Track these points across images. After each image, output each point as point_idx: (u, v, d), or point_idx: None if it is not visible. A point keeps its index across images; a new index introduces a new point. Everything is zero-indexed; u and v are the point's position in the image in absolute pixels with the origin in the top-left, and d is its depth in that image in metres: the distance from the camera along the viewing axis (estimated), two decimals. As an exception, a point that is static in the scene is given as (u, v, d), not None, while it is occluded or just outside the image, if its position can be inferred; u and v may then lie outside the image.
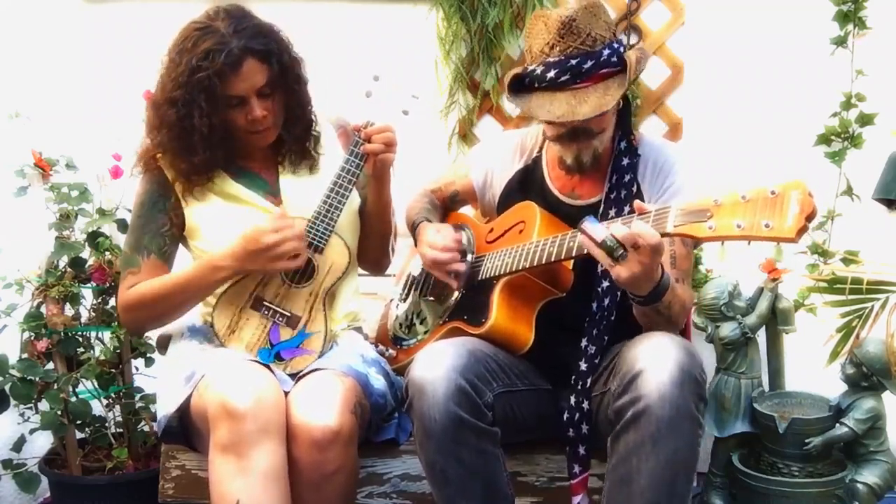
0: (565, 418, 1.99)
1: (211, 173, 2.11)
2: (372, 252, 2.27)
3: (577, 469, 1.98)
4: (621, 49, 1.95)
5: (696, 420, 1.78)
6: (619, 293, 1.97)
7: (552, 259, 1.90)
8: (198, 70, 1.97)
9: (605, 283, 1.97)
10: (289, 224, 2.02)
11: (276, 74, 2.04)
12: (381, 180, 2.15)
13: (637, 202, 1.75)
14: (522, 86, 1.98)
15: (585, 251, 1.77)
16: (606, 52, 1.92)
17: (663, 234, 1.67)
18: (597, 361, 1.98)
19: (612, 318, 1.98)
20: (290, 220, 2.04)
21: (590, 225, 1.72)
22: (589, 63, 1.91)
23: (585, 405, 1.96)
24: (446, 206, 2.36)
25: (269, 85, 2.03)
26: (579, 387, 1.98)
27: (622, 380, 1.81)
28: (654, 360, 1.78)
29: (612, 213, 2.00)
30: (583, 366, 1.98)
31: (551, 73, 1.92)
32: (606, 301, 1.98)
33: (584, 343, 1.99)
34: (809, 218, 1.50)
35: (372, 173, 2.14)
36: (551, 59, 1.92)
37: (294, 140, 2.16)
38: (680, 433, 1.75)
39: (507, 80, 2.00)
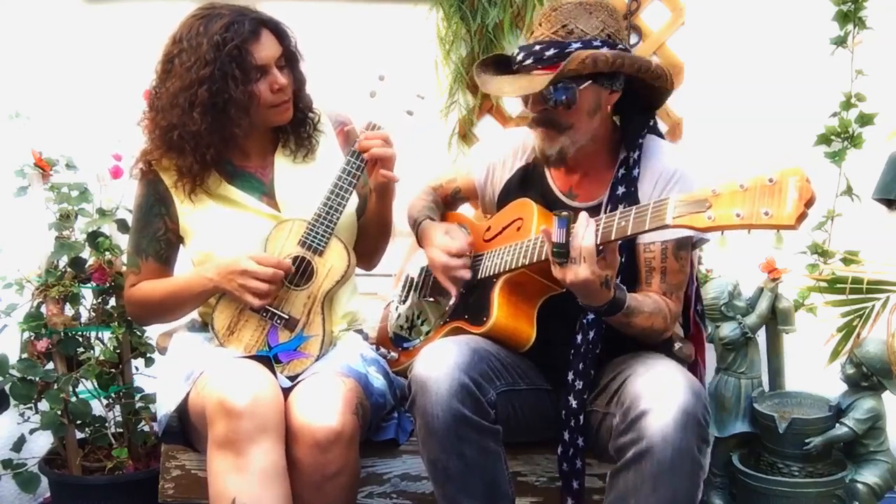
0: (559, 452, 1.99)
1: (224, 159, 2.11)
2: (365, 250, 2.27)
3: (570, 503, 1.99)
4: (603, 49, 1.90)
5: (697, 463, 1.77)
6: (604, 325, 1.96)
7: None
8: (224, 42, 1.98)
9: (591, 316, 1.96)
10: (273, 263, 2.04)
11: (286, 50, 2.08)
12: (385, 194, 2.16)
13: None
14: (509, 69, 2.00)
15: None
16: (576, 45, 1.89)
17: (663, 227, 1.67)
18: (586, 397, 1.97)
19: (598, 350, 1.98)
20: (282, 263, 2.05)
21: (556, 227, 1.76)
22: (551, 51, 1.90)
23: (580, 441, 1.96)
24: (447, 203, 2.35)
25: (283, 58, 2.07)
26: (572, 423, 1.97)
27: (625, 416, 1.81)
28: (658, 401, 1.77)
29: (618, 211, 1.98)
30: (573, 402, 1.97)
31: (520, 56, 1.96)
32: (591, 334, 1.97)
33: (570, 377, 1.98)
34: (808, 204, 1.49)
35: (375, 187, 2.15)
36: (526, 44, 1.96)
37: (295, 123, 2.16)
38: (680, 476, 1.74)
39: (489, 58, 2.05)
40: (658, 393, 1.79)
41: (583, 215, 1.77)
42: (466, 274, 2.07)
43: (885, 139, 2.71)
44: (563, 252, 1.75)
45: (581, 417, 1.96)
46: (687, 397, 1.77)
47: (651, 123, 2.08)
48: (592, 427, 1.98)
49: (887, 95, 2.79)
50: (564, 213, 1.76)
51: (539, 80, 1.89)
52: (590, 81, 1.91)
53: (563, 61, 1.87)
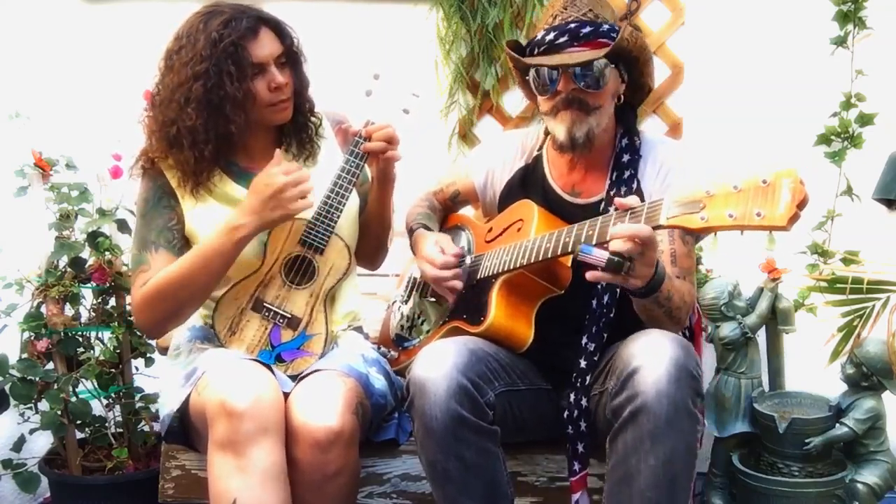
0: (565, 416, 1.99)
1: (224, 159, 2.10)
2: (368, 250, 2.27)
3: (576, 466, 1.98)
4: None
5: (693, 416, 1.78)
6: (617, 290, 1.97)
7: (549, 256, 1.90)
8: (220, 39, 1.98)
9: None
10: (296, 166, 2.02)
11: (287, 49, 2.07)
12: (386, 182, 2.15)
13: (618, 200, 1.76)
14: (523, 55, 2.02)
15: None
16: (606, 26, 1.97)
17: (657, 227, 1.68)
18: (596, 359, 1.98)
19: (612, 315, 1.99)
20: (294, 163, 2.04)
21: (587, 255, 1.72)
22: (587, 28, 1.95)
23: (584, 402, 1.97)
24: (447, 206, 2.36)
25: (284, 56, 2.07)
26: (578, 384, 1.98)
27: (618, 378, 1.82)
28: (649, 357, 1.78)
29: (612, 210, 1.99)
30: (582, 363, 1.98)
31: (550, 36, 1.97)
32: (605, 298, 1.99)
33: (583, 341, 1.99)
34: (801, 206, 1.51)
35: (376, 174, 2.14)
36: (557, 24, 1.98)
37: (297, 125, 2.15)
38: (678, 430, 1.75)
39: (509, 46, 2.04)
40: (648, 350, 1.80)
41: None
42: (457, 284, 2.08)
43: (887, 135, 2.71)
44: (620, 262, 1.71)
45: (589, 377, 1.97)
46: (676, 351, 1.78)
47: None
48: (591, 411, 1.98)
49: (887, 95, 2.79)
50: (582, 243, 1.75)
51: (590, 52, 1.93)
52: (613, 65, 1.97)
53: (598, 38, 1.94)
